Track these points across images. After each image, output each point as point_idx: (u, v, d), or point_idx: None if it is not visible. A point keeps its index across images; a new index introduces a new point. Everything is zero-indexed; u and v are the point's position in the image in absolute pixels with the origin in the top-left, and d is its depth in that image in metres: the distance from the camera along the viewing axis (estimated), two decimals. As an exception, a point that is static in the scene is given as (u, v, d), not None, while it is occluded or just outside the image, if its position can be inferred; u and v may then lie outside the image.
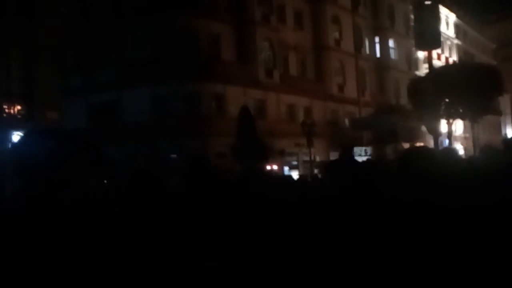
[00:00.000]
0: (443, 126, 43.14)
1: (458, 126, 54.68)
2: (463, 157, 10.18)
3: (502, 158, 6.46)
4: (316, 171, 30.28)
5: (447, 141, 42.76)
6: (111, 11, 36.00)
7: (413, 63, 58.60)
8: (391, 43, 55.56)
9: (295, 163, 39.77)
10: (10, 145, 22.99)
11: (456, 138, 51.97)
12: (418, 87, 39.61)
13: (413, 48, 53.64)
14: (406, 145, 35.45)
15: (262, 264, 3.06)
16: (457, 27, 70.90)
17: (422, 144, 34.62)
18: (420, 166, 3.24)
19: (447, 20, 67.09)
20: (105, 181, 5.78)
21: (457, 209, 2.87)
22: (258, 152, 24.41)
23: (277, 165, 32.50)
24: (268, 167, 27.66)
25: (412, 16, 50.12)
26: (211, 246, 3.04)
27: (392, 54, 55.67)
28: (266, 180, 7.06)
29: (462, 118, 45.33)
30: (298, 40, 43.41)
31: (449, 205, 2.89)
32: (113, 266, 2.40)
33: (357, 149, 32.32)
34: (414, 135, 41.42)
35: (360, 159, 13.68)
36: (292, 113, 41.05)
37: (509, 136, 63.35)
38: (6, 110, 24.27)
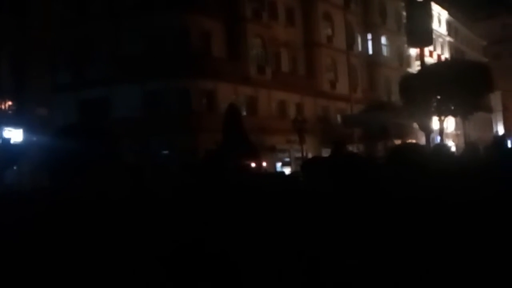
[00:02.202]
0: (434, 123, 43.31)
1: (450, 123, 54.89)
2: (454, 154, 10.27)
3: (484, 155, 6.54)
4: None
5: (438, 138, 42.96)
6: (102, 7, 35.87)
7: (405, 60, 58.73)
8: (383, 40, 55.65)
9: (287, 159, 39.82)
10: (1, 141, 22.93)
11: (447, 135, 52.18)
12: (409, 84, 39.76)
13: (405, 45, 53.84)
14: (398, 142, 35.53)
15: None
16: (449, 24, 71.09)
17: (413, 141, 34.74)
18: (407, 161, 3.24)
19: (439, 17, 67.28)
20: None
21: (441, 203, 2.88)
22: (245, 150, 24.37)
23: (266, 162, 32.49)
24: (253, 164, 27.58)
25: (404, 13, 50.43)
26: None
27: (384, 51, 55.76)
28: (246, 176, 7.10)
29: (454, 115, 45.57)
30: (289, 37, 43.41)
31: (435, 200, 2.89)
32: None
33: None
34: (405, 132, 41.55)
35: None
36: (283, 110, 41.08)
37: (500, 133, 63.72)
38: (-3, 106, 24.21)
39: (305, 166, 4.52)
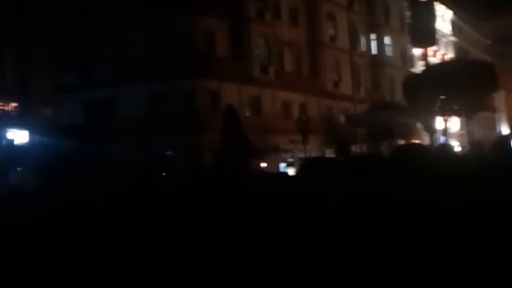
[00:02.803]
0: (438, 123, 43.23)
1: (454, 123, 54.74)
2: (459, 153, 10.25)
3: (490, 154, 6.52)
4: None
5: (442, 138, 42.85)
6: (107, 8, 35.90)
7: (409, 60, 58.60)
8: (386, 40, 55.51)
9: (290, 160, 39.75)
10: (4, 142, 22.96)
11: (451, 135, 52.04)
12: (413, 84, 39.74)
13: (409, 45, 53.76)
14: (402, 142, 35.45)
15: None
16: (452, 24, 70.87)
17: (418, 141, 34.69)
18: (411, 162, 3.24)
19: (443, 17, 67.08)
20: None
21: (446, 204, 2.88)
22: (244, 150, 24.36)
23: (270, 162, 32.43)
24: (251, 164, 27.62)
25: (407, 13, 50.34)
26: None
27: (388, 51, 55.63)
28: (249, 177, 7.12)
29: (457, 115, 45.42)
30: (293, 37, 43.36)
31: (438, 200, 2.89)
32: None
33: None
34: (409, 132, 41.47)
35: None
36: (287, 110, 41.02)
37: (503, 133, 63.55)
38: (1, 107, 24.24)
39: (304, 167, 4.53)
